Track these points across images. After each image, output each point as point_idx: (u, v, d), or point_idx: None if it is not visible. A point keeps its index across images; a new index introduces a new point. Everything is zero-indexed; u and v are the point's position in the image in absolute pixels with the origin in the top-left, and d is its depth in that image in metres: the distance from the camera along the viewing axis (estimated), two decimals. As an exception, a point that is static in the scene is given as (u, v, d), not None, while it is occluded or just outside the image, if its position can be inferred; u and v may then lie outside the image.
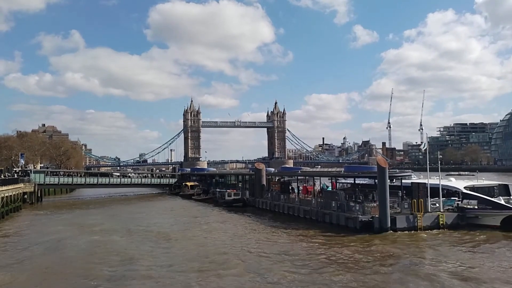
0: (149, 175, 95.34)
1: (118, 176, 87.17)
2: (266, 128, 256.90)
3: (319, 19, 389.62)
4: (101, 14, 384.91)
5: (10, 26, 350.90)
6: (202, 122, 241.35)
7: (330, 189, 42.59)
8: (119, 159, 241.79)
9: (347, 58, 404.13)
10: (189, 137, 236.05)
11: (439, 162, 38.71)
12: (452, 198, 33.99)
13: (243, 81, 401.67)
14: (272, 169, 76.61)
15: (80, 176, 78.33)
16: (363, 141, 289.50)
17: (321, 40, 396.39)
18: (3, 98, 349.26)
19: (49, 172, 74.58)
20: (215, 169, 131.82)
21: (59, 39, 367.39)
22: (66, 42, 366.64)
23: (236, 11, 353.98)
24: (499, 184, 36.70)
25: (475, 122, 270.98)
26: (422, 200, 31.11)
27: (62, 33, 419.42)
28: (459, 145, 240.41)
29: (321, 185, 46.79)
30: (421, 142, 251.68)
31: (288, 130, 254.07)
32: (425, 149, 37.91)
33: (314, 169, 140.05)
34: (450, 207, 33.00)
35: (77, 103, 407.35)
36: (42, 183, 66.10)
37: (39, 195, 63.63)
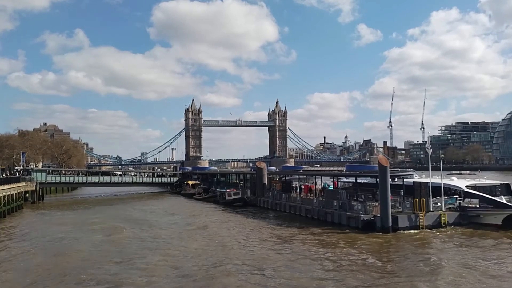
0: (151, 174, 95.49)
1: (120, 175, 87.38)
2: (267, 127, 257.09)
3: (323, 18, 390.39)
4: (105, 13, 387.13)
5: (14, 25, 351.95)
6: (204, 121, 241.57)
7: (332, 188, 42.61)
8: (120, 158, 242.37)
9: (350, 57, 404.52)
10: (191, 136, 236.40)
11: (441, 161, 38.67)
12: (453, 197, 33.95)
13: (246, 80, 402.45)
14: (274, 168, 76.70)
15: (82, 175, 78.57)
16: (364, 140, 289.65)
17: (325, 39, 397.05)
18: (6, 97, 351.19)
19: (50, 171, 74.71)
20: (216, 168, 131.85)
21: (63, 38, 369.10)
22: (71, 41, 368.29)
23: (241, 9, 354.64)
24: (500, 184, 36.61)
25: (476, 121, 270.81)
26: (424, 199, 31.11)
27: (66, 32, 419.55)
28: (460, 144, 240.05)
29: (323, 184, 46.84)
30: (423, 142, 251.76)
31: (290, 129, 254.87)
32: (428, 148, 37.83)
33: (314, 168, 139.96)
34: (451, 206, 32.99)
35: (80, 102, 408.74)
36: (44, 182, 66.22)
37: (40, 194, 63.83)
